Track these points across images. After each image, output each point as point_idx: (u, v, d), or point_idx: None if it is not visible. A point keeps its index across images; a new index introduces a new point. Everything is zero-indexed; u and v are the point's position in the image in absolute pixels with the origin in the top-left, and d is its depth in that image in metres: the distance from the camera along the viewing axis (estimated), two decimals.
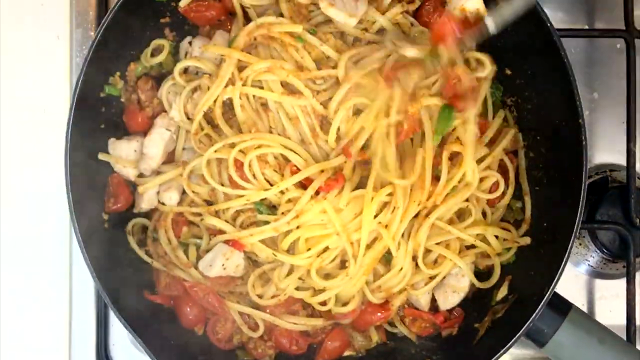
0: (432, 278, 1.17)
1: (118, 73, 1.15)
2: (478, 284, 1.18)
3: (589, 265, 1.29)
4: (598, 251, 1.26)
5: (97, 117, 1.13)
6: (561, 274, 1.05)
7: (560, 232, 1.07)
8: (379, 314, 1.17)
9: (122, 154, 1.15)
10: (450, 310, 1.19)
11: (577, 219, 1.05)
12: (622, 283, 1.22)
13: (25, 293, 1.26)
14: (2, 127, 1.27)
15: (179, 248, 1.16)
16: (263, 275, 1.17)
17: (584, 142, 1.05)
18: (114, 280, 1.10)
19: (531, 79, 1.15)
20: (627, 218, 1.22)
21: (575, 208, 1.05)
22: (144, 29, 1.15)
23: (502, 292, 1.17)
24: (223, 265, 1.13)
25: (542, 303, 1.05)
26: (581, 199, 1.05)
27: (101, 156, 1.14)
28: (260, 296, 1.16)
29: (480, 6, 1.09)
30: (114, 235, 1.15)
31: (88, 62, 1.06)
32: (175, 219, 1.17)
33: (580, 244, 1.28)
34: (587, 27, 1.32)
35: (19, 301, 1.26)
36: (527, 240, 1.16)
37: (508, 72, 1.17)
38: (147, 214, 1.19)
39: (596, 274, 1.29)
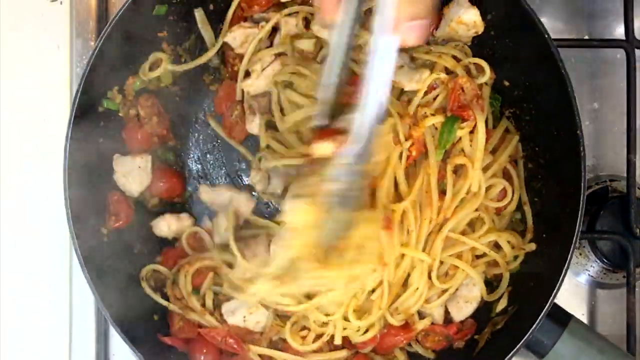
0: (444, 291, 1.16)
1: (116, 87, 1.14)
2: (487, 297, 1.18)
3: (589, 275, 1.29)
4: (598, 261, 1.26)
5: (95, 132, 1.12)
6: (560, 285, 1.05)
7: (559, 243, 1.07)
8: (400, 336, 1.17)
9: (126, 170, 1.14)
10: (462, 322, 1.19)
11: (576, 230, 1.04)
12: (622, 293, 1.22)
13: (25, 305, 1.26)
14: (2, 136, 1.27)
15: (192, 295, 1.16)
16: (296, 325, 1.17)
17: (582, 153, 1.05)
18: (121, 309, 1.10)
19: (529, 90, 1.15)
20: (627, 228, 1.22)
21: (574, 219, 1.05)
22: (142, 42, 1.15)
23: (502, 303, 1.17)
24: (244, 317, 1.14)
25: (541, 314, 1.05)
26: (580, 210, 1.05)
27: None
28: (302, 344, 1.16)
29: (477, 18, 1.09)
30: (115, 253, 1.15)
31: (86, 76, 1.05)
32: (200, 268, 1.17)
33: (580, 254, 1.28)
34: (586, 37, 1.32)
35: (18, 312, 1.26)
36: (532, 247, 1.16)
37: (506, 83, 1.17)
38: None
39: (596, 283, 1.29)
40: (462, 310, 1.18)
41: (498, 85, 1.17)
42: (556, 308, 1.10)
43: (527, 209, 1.18)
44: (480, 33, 1.13)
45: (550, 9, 1.32)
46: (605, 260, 1.24)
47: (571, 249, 1.05)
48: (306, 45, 1.17)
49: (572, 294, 1.29)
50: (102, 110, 1.13)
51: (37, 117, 1.25)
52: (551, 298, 1.05)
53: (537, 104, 1.14)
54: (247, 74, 1.19)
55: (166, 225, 1.19)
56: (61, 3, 1.28)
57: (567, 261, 1.05)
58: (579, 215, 1.05)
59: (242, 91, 1.21)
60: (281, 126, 1.16)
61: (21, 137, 1.27)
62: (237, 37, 1.18)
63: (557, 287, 1.05)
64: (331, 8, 0.86)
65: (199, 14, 1.18)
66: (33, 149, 1.25)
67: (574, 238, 1.04)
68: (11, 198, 1.26)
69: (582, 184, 1.05)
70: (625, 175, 1.21)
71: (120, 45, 1.09)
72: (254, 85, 1.18)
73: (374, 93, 0.85)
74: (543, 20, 1.07)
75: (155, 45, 1.17)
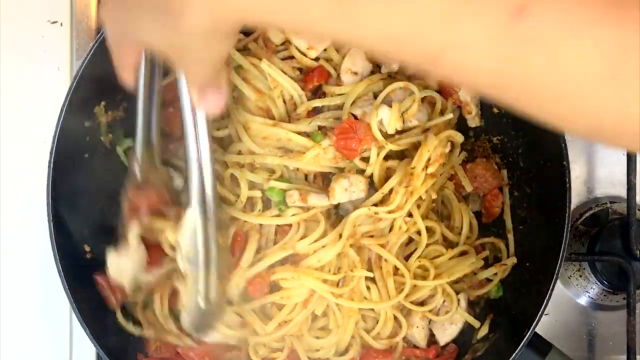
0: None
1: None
2: (473, 321, 1.16)
3: (589, 296, 1.29)
4: (598, 283, 1.26)
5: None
6: (541, 316, 1.04)
7: (541, 274, 1.06)
8: (379, 359, 1.15)
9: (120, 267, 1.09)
10: (444, 346, 1.18)
11: (559, 262, 1.03)
12: (622, 315, 1.21)
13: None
14: (2, 157, 1.27)
15: (169, 318, 1.13)
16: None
17: (567, 184, 1.04)
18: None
19: (517, 117, 1.13)
20: (628, 250, 1.21)
21: (557, 251, 1.04)
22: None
23: (484, 330, 1.16)
24: (220, 333, 1.12)
25: (522, 343, 1.05)
26: (563, 243, 1.04)
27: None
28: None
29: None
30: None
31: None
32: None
33: (580, 276, 1.28)
34: None
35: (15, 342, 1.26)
36: (513, 260, 1.15)
37: (495, 110, 1.17)
38: None
39: (596, 305, 1.29)
40: (447, 332, 1.16)
41: (487, 112, 1.17)
42: (537, 337, 1.09)
43: (511, 236, 1.17)
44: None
45: None
46: (605, 282, 1.24)
47: (553, 279, 1.03)
48: None
49: (571, 315, 1.29)
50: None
51: (37, 138, 1.24)
52: (532, 327, 1.04)
53: (525, 131, 1.14)
54: None
55: None
56: (61, 24, 1.28)
57: (548, 294, 1.03)
58: (562, 247, 1.04)
59: None
60: None
61: (21, 159, 1.27)
62: None
63: (538, 318, 1.04)
64: (127, 74, 0.85)
65: None
66: (34, 170, 1.25)
67: (556, 270, 1.03)
68: (9, 218, 1.26)
69: (567, 216, 1.04)
70: (625, 197, 1.21)
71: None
72: None
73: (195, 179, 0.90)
74: None
75: None
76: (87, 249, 1.13)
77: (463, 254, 1.15)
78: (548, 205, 1.09)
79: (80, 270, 1.09)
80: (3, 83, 1.27)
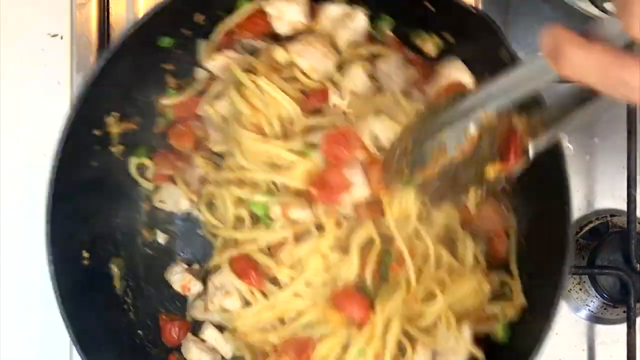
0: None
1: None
2: (476, 352, 1.12)
3: (589, 310, 1.28)
4: (598, 296, 1.26)
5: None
6: (537, 350, 1.02)
7: (539, 313, 1.04)
8: None
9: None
10: None
11: (554, 304, 1.01)
12: (622, 328, 1.21)
13: None
14: (2, 170, 1.27)
15: None
16: None
17: (568, 229, 1.01)
18: None
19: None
20: (628, 263, 1.22)
21: (554, 288, 1.01)
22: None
23: None
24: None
25: None
26: (559, 289, 1.01)
27: None
28: None
29: (469, 81, 1.09)
30: None
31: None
32: None
33: (580, 289, 1.28)
34: None
35: None
36: (522, 300, 1.11)
37: None
38: None
39: (596, 319, 1.29)
40: None
41: None
42: None
43: (517, 282, 1.12)
44: None
45: None
46: (606, 295, 1.24)
47: (549, 319, 1.01)
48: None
49: (572, 329, 1.29)
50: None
51: (37, 152, 1.24)
52: None
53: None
54: None
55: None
56: (62, 38, 1.28)
57: (546, 330, 1.01)
58: (557, 295, 1.01)
59: None
60: None
61: (20, 171, 1.27)
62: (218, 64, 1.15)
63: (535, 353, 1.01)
64: None
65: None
66: (34, 184, 1.25)
67: (554, 305, 1.01)
68: (11, 231, 1.26)
69: (565, 264, 1.01)
70: (625, 210, 1.21)
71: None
72: None
73: None
74: None
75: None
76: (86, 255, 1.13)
77: None
78: (548, 250, 1.06)
79: (76, 277, 1.09)
80: (3, 96, 1.27)
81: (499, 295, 1.14)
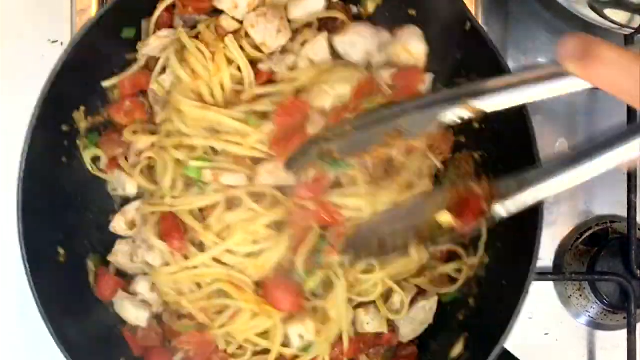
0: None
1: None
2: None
3: (589, 316, 1.28)
4: (598, 302, 1.26)
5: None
6: (509, 333, 1.02)
7: (513, 290, 1.03)
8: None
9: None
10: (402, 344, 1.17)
11: (528, 278, 1.01)
12: (622, 334, 1.21)
13: None
14: (3, 173, 1.27)
15: None
16: None
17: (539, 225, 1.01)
18: None
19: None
20: (628, 269, 1.22)
21: (527, 268, 1.02)
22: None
23: (458, 348, 1.13)
24: None
25: None
26: (533, 259, 1.01)
27: None
28: None
29: (423, 54, 1.08)
30: None
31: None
32: None
33: (580, 295, 1.28)
34: None
35: None
36: (476, 260, 1.13)
37: (476, 125, 1.12)
38: None
39: (596, 325, 1.29)
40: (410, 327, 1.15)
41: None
42: (508, 356, 1.07)
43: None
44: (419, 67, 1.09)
45: None
46: (606, 302, 1.24)
47: (521, 297, 1.01)
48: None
49: (572, 335, 1.29)
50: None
51: None
52: (498, 344, 1.02)
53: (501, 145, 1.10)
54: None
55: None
56: (61, 44, 1.28)
57: (517, 307, 1.01)
58: (532, 265, 1.01)
59: None
60: None
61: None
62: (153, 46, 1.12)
63: (505, 334, 1.02)
64: None
65: None
66: None
67: (525, 285, 1.01)
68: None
69: (537, 230, 1.01)
70: (625, 216, 1.21)
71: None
72: None
73: None
74: None
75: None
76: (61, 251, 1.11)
77: None
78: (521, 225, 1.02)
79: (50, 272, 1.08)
80: (3, 102, 1.27)
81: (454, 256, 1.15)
